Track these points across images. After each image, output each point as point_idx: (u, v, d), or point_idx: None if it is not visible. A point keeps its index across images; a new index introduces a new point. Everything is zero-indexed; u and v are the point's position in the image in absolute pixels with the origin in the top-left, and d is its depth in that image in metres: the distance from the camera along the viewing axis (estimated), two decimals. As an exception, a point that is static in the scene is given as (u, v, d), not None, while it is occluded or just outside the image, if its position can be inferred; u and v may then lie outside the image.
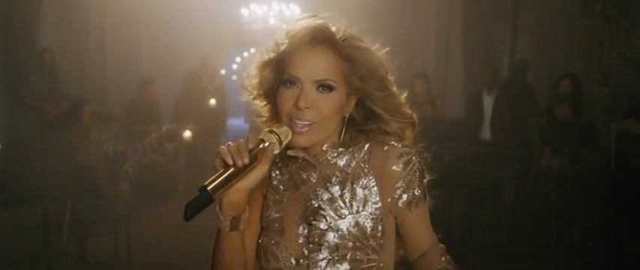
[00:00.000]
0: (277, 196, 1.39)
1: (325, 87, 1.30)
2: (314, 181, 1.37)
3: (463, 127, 6.18)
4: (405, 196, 1.34)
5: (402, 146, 1.35)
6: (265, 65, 1.37)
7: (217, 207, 1.28)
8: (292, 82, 1.31)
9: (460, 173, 5.27)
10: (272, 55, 1.35)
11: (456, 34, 7.94)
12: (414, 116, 1.40)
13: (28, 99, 6.45)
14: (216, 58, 7.60)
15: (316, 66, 1.30)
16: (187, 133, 6.26)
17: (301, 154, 1.36)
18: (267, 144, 1.26)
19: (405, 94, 1.40)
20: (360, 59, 1.32)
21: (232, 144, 1.23)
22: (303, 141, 1.31)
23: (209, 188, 1.17)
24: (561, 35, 7.05)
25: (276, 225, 1.37)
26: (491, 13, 7.79)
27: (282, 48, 1.33)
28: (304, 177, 1.37)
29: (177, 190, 6.17)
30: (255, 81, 1.39)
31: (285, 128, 1.30)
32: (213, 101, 6.93)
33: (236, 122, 10.49)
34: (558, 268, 4.74)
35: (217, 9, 7.72)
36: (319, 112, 1.30)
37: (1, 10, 6.92)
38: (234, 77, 12.73)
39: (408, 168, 1.33)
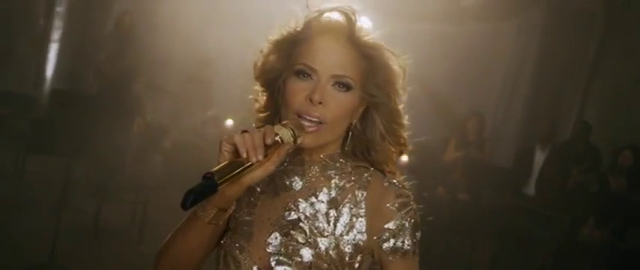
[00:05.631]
0: (252, 199, 1.27)
1: (342, 85, 1.19)
2: (297, 189, 1.24)
3: (508, 177, 5.91)
4: (391, 241, 1.20)
5: (403, 187, 1.23)
6: (274, 48, 1.24)
7: None
8: (307, 73, 1.19)
9: (493, 223, 5.04)
10: (284, 36, 1.23)
11: (524, 80, 7.61)
12: (408, 144, 1.27)
13: (99, 62, 6.29)
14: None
15: (337, 60, 1.19)
16: (229, 122, 6.21)
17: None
18: (281, 140, 1.13)
19: (406, 117, 1.27)
20: (381, 64, 1.21)
21: (248, 135, 1.11)
22: (308, 141, 1.18)
23: (216, 177, 1.05)
24: (635, 105, 6.70)
25: (245, 228, 1.25)
26: (566, 69, 7.45)
27: (298, 32, 1.21)
28: (287, 183, 1.24)
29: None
30: (259, 63, 1.26)
31: (301, 126, 1.17)
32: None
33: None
34: None
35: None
36: (330, 110, 1.18)
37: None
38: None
39: (403, 211, 1.21)
